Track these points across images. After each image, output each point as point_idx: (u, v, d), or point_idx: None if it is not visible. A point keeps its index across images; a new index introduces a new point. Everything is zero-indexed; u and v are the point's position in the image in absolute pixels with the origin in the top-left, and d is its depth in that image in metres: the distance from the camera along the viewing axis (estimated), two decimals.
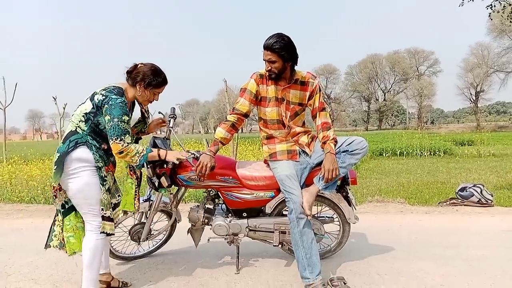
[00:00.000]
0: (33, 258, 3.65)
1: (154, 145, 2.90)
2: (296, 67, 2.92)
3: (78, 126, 2.53)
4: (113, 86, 2.59)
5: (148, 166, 2.85)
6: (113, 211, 2.69)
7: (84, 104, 2.56)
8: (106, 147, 2.60)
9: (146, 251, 3.54)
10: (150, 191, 3.26)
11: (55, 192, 2.58)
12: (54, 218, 2.72)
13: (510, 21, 11.88)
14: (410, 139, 16.25)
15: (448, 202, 5.61)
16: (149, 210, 3.18)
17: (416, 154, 14.32)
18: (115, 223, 2.70)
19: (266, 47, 2.77)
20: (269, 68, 2.82)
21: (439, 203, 5.69)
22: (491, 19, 13.98)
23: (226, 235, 3.16)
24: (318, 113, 2.99)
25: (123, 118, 2.47)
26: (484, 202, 5.41)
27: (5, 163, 9.66)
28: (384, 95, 68.92)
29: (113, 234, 2.70)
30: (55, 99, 15.11)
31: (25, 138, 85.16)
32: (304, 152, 3.00)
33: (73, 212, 2.65)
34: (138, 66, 2.67)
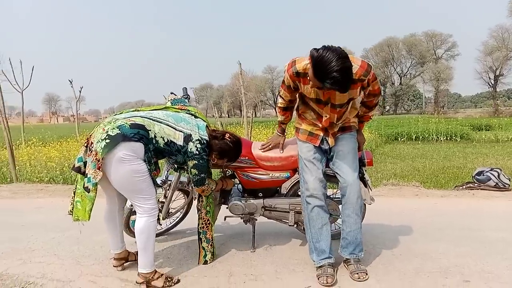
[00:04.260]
0: (55, 235, 3.77)
1: None
2: None
3: (155, 133, 2.53)
4: (206, 143, 2.69)
5: None
6: None
7: (175, 133, 2.61)
8: (156, 160, 2.70)
9: (164, 228, 3.63)
10: (167, 172, 3.32)
11: (98, 162, 2.39)
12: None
13: None
14: (426, 124, 16.06)
15: (464, 186, 5.57)
16: (168, 189, 3.24)
17: (432, 139, 14.19)
18: None
19: (334, 88, 2.28)
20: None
21: (455, 187, 5.66)
22: None
23: (242, 214, 3.21)
24: (371, 94, 2.72)
25: (206, 173, 2.79)
26: (501, 187, 5.35)
27: (24, 145, 9.86)
28: (400, 79, 67.83)
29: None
30: (71, 83, 15.28)
31: (42, 121, 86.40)
32: (326, 140, 2.81)
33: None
34: (226, 137, 2.81)
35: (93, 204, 2.49)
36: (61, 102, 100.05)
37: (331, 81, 2.21)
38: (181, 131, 2.63)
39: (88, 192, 2.45)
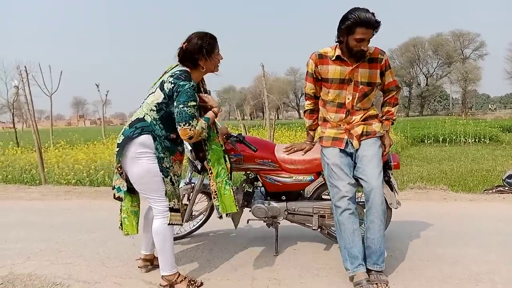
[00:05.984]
0: (81, 236, 3.84)
1: None
2: None
3: (148, 115, 2.53)
4: (179, 71, 2.51)
5: (191, 150, 2.92)
6: (178, 201, 2.66)
7: (154, 94, 2.54)
8: (175, 137, 2.60)
9: (188, 231, 3.64)
10: (191, 174, 3.34)
11: (118, 170, 2.62)
12: None
13: None
14: (453, 126, 15.69)
15: (494, 190, 5.40)
16: (191, 192, 3.26)
17: (460, 141, 13.86)
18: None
19: (367, 24, 2.45)
20: (362, 48, 2.55)
21: (484, 190, 5.49)
22: None
23: (265, 218, 3.19)
24: (389, 89, 2.88)
25: (189, 103, 2.43)
26: None
27: (52, 147, 10.13)
28: (427, 80, 66.52)
29: (181, 225, 2.83)
30: (98, 86, 15.64)
31: (70, 124, 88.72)
32: (351, 143, 2.77)
33: (128, 196, 2.70)
34: (185, 47, 2.55)
35: (138, 218, 2.77)
36: (88, 105, 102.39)
37: (357, 16, 2.45)
38: (156, 88, 2.56)
39: (121, 201, 2.71)
